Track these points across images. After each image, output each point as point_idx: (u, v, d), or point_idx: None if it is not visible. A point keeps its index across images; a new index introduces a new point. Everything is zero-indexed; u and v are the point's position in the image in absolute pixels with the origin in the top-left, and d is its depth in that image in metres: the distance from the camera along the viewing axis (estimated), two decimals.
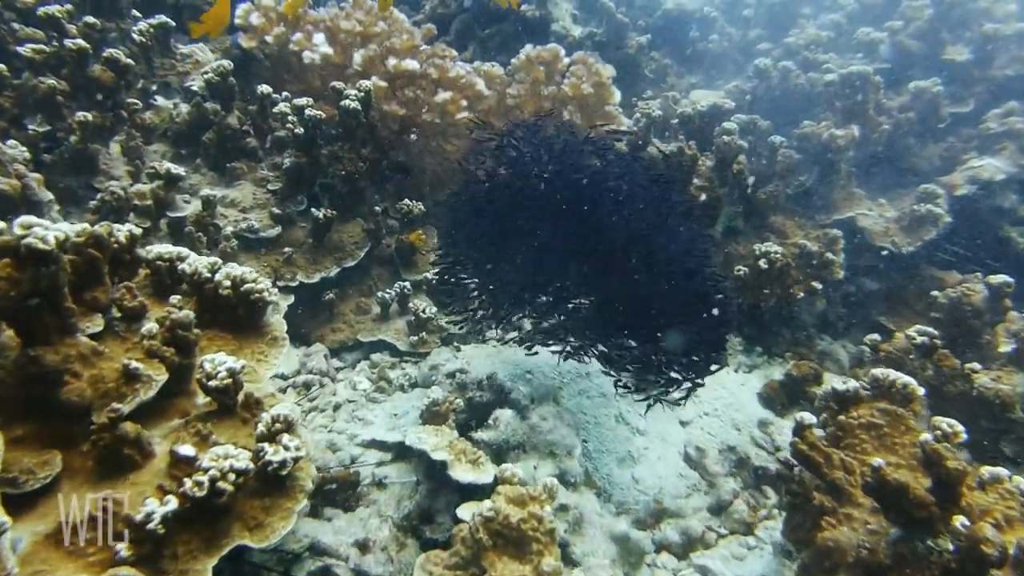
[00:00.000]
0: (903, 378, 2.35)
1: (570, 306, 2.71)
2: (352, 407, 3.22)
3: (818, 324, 3.98)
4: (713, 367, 2.48)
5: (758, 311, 3.66)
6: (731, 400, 3.43)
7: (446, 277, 2.97)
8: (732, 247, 3.79)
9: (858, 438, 2.25)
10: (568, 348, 2.77)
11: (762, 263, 3.50)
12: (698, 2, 7.38)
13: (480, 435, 2.81)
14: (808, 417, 2.24)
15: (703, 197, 3.68)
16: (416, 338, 3.57)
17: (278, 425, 1.80)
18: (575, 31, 6.47)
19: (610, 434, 3.13)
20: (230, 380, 1.86)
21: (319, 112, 3.51)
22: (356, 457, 2.86)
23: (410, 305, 3.62)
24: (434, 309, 3.60)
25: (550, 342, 2.83)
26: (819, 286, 3.53)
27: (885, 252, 3.77)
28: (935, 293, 3.47)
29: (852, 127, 3.70)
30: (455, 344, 3.69)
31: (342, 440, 2.96)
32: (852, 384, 2.42)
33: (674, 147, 3.72)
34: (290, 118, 3.47)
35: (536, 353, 2.95)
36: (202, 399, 1.97)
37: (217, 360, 1.87)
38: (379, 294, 3.66)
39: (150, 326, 1.93)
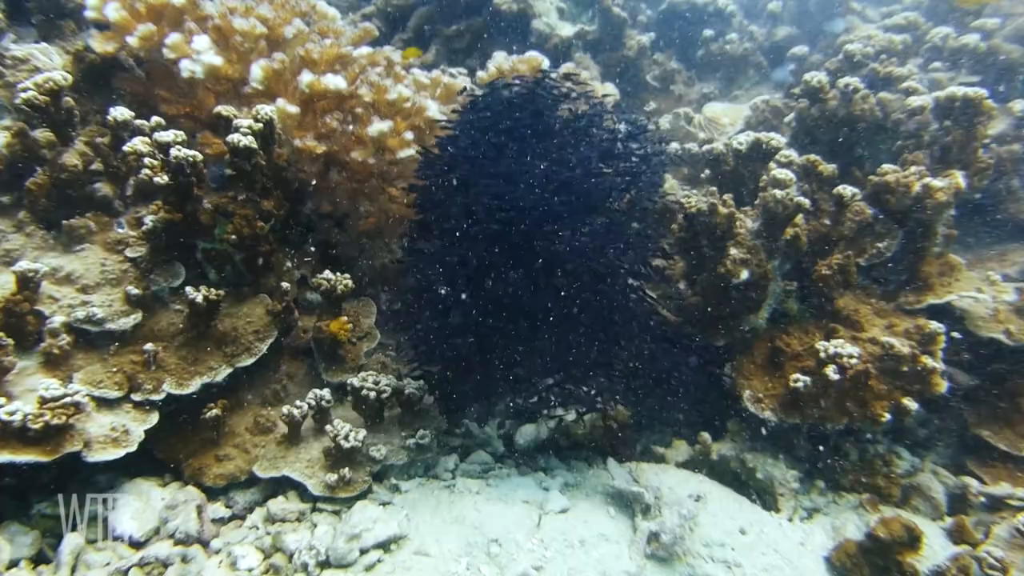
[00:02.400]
0: None
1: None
2: None
3: (892, 429, 3.04)
4: None
5: (822, 434, 2.71)
6: (789, 574, 2.47)
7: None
8: (782, 340, 2.83)
9: None
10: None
11: (830, 371, 2.55)
12: None
13: None
14: None
15: (744, 274, 2.72)
16: (335, 476, 2.57)
17: None
18: (562, 29, 5.50)
19: None
20: None
21: (193, 153, 2.50)
22: None
23: (328, 428, 2.62)
24: (363, 434, 2.61)
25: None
26: (913, 405, 2.58)
27: (992, 343, 2.84)
28: None
29: (955, 173, 2.75)
30: (391, 482, 2.70)
31: None
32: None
33: (702, 201, 2.75)
34: (147, 162, 2.45)
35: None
36: None
37: None
38: (286, 410, 2.66)
39: None
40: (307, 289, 3.12)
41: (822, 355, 2.63)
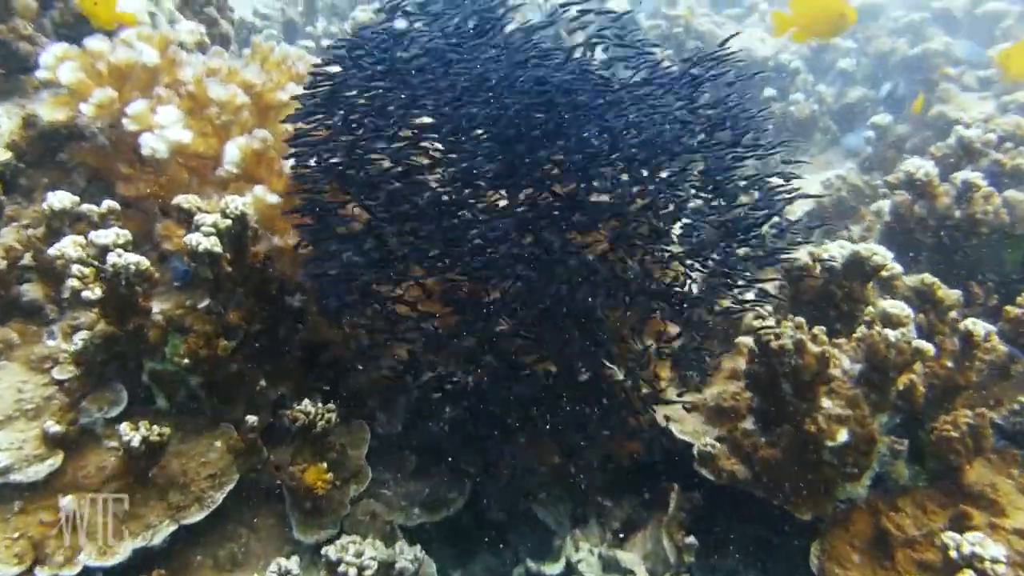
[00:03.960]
0: None
1: None
2: None
3: None
4: None
5: None
6: None
7: None
8: (890, 518, 2.21)
9: None
10: None
11: None
12: (771, 47, 5.93)
13: None
14: None
15: (842, 436, 2.13)
16: None
17: None
18: None
19: None
20: None
21: (137, 260, 2.00)
22: None
23: None
24: None
25: None
26: None
27: None
28: None
29: None
30: None
31: None
32: None
33: (787, 336, 2.19)
34: (76, 270, 1.95)
35: None
36: None
37: None
38: None
39: None
40: (281, 416, 2.59)
41: (953, 554, 2.00)
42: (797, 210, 4.40)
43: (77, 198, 2.28)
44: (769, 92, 5.32)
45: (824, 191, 4.28)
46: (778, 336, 2.28)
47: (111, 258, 1.99)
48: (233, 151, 2.32)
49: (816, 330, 2.26)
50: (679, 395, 2.71)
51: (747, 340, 3.04)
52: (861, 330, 2.27)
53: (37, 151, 2.63)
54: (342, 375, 2.86)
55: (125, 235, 2.06)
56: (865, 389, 2.24)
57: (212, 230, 2.13)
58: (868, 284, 2.46)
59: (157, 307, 2.29)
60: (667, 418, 2.77)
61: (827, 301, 2.53)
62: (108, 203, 2.35)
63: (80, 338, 2.07)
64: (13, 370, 2.19)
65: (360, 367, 2.81)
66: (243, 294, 2.33)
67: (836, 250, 2.50)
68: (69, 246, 1.99)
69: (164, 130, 2.32)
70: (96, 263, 2.00)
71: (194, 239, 2.09)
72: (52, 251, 2.00)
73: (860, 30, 5.81)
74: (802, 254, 2.57)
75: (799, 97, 5.26)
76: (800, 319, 2.27)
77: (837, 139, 5.23)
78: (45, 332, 2.27)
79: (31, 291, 2.25)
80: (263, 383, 2.51)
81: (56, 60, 2.47)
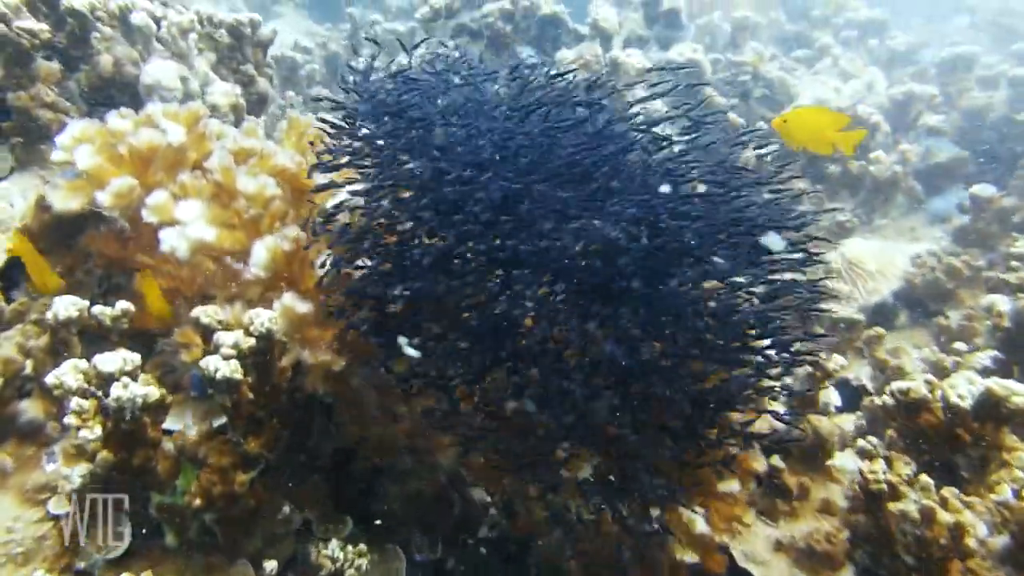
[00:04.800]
0: None
1: None
2: None
3: None
4: None
5: None
6: None
7: None
8: None
9: None
10: None
11: None
12: (847, 97, 5.55)
13: None
14: None
15: None
16: None
17: None
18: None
19: None
20: None
21: (145, 392, 1.75)
22: None
23: None
24: None
25: None
26: None
27: None
28: None
29: None
30: None
31: None
32: None
33: (910, 503, 1.83)
34: (75, 404, 1.71)
35: None
36: None
37: None
38: None
39: None
40: (318, 543, 2.30)
41: None
42: (883, 289, 4.01)
43: (86, 303, 2.05)
44: None
45: (914, 269, 3.88)
46: (893, 490, 1.92)
47: (115, 390, 1.73)
48: (261, 253, 2.07)
49: (947, 493, 1.89)
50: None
51: (842, 464, 2.68)
52: (1005, 494, 1.89)
53: (52, 236, 2.41)
54: (375, 485, 2.59)
55: (134, 360, 1.81)
56: (1011, 570, 1.86)
57: (232, 352, 1.86)
58: (1004, 427, 2.08)
59: (170, 423, 2.05)
60: (746, 555, 2.44)
61: (951, 442, 2.15)
62: (122, 306, 2.11)
63: (79, 474, 1.81)
64: (4, 504, 1.94)
65: (397, 480, 2.52)
66: (266, 416, 2.06)
67: (964, 386, 2.12)
68: (69, 374, 1.75)
69: (185, 227, 2.07)
70: (99, 393, 1.74)
71: (212, 364, 1.82)
72: (50, 379, 1.75)
73: (951, 82, 5.40)
74: (918, 383, 2.20)
75: (881, 155, 4.86)
76: (926, 480, 1.91)
77: (923, 202, 4.81)
78: (45, 454, 2.03)
79: (30, 408, 2.01)
80: (286, 510, 2.24)
81: (74, 141, 2.26)
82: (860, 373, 3.60)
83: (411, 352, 1.79)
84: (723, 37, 6.83)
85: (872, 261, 4.34)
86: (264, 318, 1.93)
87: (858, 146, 2.69)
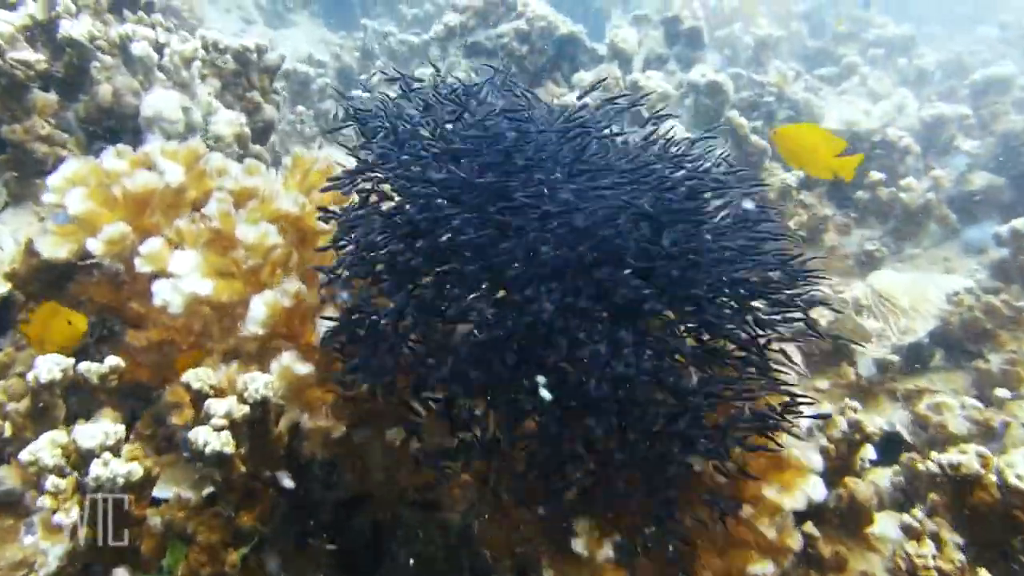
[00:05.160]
0: None
1: None
2: None
3: None
4: None
5: None
6: None
7: None
8: None
9: None
10: None
11: None
12: (877, 120, 5.36)
13: None
14: None
15: None
16: None
17: None
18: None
19: None
20: None
21: (128, 470, 1.61)
22: None
23: None
24: None
25: None
26: None
27: None
28: None
29: None
30: None
31: None
32: None
33: None
34: (51, 484, 1.57)
35: None
36: None
37: None
38: None
39: None
40: None
41: None
42: (918, 328, 3.82)
43: (71, 362, 1.92)
44: (876, 176, 4.74)
45: (950, 307, 3.69)
46: None
47: (95, 468, 1.60)
48: (260, 309, 1.93)
49: None
50: None
51: (882, 532, 2.52)
52: None
53: (41, 281, 2.30)
54: (380, 542, 2.45)
55: (117, 433, 1.67)
56: None
57: (224, 422, 1.72)
58: None
59: (159, 490, 1.91)
60: None
61: (1007, 524, 1.97)
62: (111, 362, 1.99)
63: (55, 556, 1.68)
64: None
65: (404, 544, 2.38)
66: (260, 486, 1.92)
67: (1022, 464, 1.95)
68: (45, 450, 1.61)
69: (180, 280, 1.94)
70: (76, 474, 1.61)
71: (201, 438, 1.68)
72: (24, 456, 1.62)
73: (985, 104, 5.20)
74: (970, 458, 2.02)
75: (912, 182, 4.66)
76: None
77: (957, 231, 4.61)
78: (23, 526, 1.89)
79: (8, 477, 1.88)
80: None
81: (66, 183, 2.14)
82: (894, 417, 3.42)
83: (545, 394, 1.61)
84: (744, 50, 6.66)
85: (904, 295, 4.13)
86: (260, 383, 1.79)
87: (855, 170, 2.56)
